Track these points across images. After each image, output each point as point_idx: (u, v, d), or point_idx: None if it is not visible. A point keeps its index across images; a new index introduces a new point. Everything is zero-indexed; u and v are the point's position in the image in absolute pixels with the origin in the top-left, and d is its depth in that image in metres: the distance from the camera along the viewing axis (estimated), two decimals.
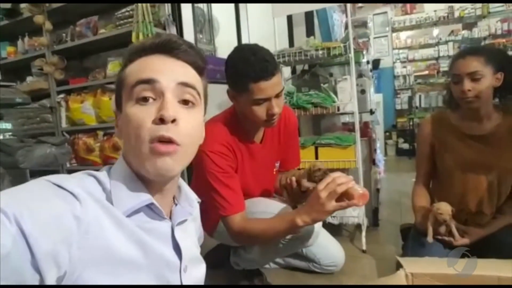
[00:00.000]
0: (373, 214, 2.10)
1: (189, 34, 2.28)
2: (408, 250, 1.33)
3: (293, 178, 1.22)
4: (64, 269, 0.43)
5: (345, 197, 0.98)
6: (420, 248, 1.24)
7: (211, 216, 1.24)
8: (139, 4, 1.87)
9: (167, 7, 2.13)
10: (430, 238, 1.20)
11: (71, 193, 0.46)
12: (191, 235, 0.70)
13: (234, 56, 1.16)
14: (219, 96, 2.29)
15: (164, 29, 2.04)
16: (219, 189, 1.16)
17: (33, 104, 2.44)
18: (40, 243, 0.40)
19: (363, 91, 2.01)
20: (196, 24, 2.39)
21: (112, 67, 2.24)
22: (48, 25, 2.26)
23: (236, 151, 1.24)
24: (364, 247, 1.75)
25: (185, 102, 0.57)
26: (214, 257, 1.52)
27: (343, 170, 1.63)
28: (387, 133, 5.10)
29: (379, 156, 2.79)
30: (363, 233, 1.79)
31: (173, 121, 0.53)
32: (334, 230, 1.89)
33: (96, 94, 2.27)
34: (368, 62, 2.42)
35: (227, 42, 2.62)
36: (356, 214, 1.85)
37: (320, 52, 1.79)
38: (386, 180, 3.11)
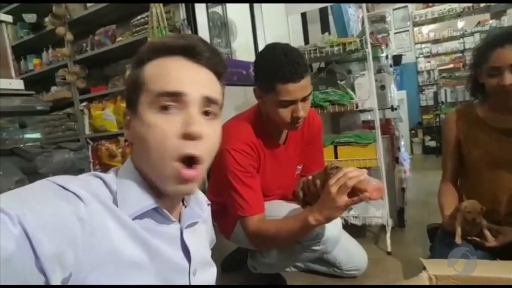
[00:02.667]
0: (398, 215, 2.01)
1: (204, 39, 2.28)
2: (436, 251, 1.25)
3: (310, 177, 1.19)
4: (69, 271, 0.43)
5: (358, 192, 0.93)
6: (448, 250, 1.16)
7: (228, 218, 1.23)
8: (153, 10, 1.90)
9: (182, 12, 2.14)
10: (458, 239, 1.12)
11: (76, 194, 0.46)
12: (202, 237, 0.69)
13: (265, 54, 1.13)
14: (236, 99, 2.29)
15: (179, 33, 2.05)
16: (239, 189, 1.14)
17: (57, 113, 2.54)
18: (44, 244, 0.39)
19: (382, 87, 1.93)
20: (213, 28, 2.39)
21: None
22: (69, 36, 2.35)
23: (259, 150, 1.22)
24: (389, 249, 1.67)
25: (206, 113, 0.55)
26: (232, 260, 1.50)
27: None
28: (413, 131, 4.93)
29: (404, 154, 2.68)
30: (388, 234, 1.72)
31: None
32: (357, 231, 1.83)
33: (116, 101, 2.33)
34: (387, 57, 2.34)
35: (244, 44, 2.61)
36: (380, 215, 1.77)
37: (336, 48, 1.74)
38: (412, 179, 2.99)
